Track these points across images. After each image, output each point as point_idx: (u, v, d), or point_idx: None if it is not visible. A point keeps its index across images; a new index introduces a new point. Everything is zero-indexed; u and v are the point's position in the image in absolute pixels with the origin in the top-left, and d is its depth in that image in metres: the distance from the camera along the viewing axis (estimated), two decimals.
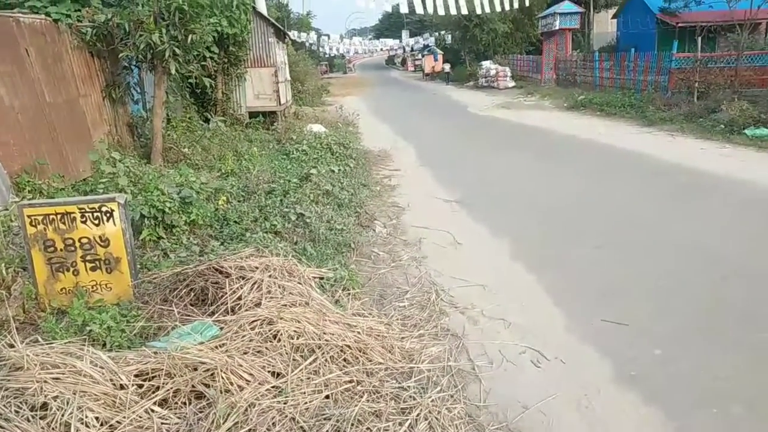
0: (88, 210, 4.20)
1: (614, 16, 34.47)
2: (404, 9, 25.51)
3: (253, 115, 13.59)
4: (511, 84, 29.07)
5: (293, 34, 37.72)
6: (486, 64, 31.85)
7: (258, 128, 12.88)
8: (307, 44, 44.58)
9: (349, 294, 4.48)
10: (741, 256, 5.39)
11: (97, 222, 4.23)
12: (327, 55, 56.41)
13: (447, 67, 40.06)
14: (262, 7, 15.59)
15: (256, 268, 4.09)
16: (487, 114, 19.03)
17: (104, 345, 3.61)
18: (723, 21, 22.83)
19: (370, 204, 7.69)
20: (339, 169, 8.97)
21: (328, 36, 51.15)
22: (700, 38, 17.09)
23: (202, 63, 10.10)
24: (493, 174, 9.80)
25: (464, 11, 28.12)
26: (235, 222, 6.06)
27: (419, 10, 25.90)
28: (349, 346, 3.36)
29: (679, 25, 25.74)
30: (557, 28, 26.15)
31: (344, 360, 3.30)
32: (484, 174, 9.85)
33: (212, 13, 9.87)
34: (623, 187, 8.35)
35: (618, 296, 4.70)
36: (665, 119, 14.20)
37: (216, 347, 3.23)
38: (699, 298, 4.58)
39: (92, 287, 4.32)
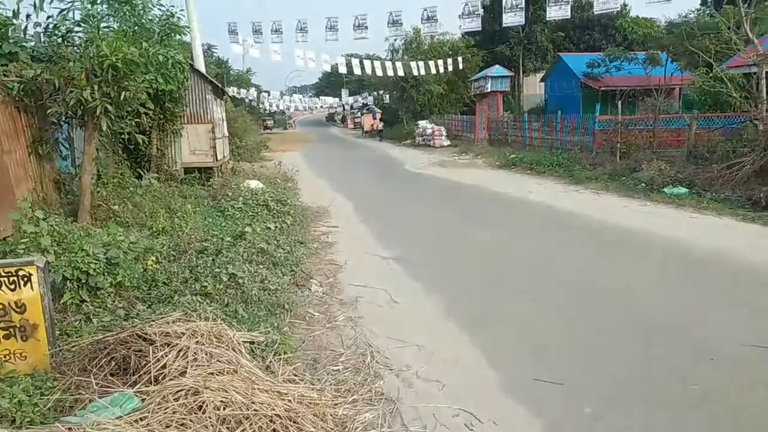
0: (3, 274, 3.97)
1: (542, 80, 36.48)
2: (343, 69, 26.15)
3: (188, 171, 13.40)
4: (447, 143, 30.02)
5: (233, 91, 37.87)
6: (423, 123, 32.87)
7: (193, 184, 12.67)
8: (246, 100, 44.80)
9: (281, 359, 4.37)
10: (666, 310, 5.63)
11: (13, 287, 3.99)
12: (267, 111, 56.80)
13: (381, 125, 41.72)
14: (200, 65, 15.64)
15: (183, 333, 3.94)
16: (423, 171, 19.47)
17: (13, 422, 3.36)
18: (641, 86, 24.55)
19: (306, 262, 7.62)
20: (275, 226, 8.89)
21: (268, 92, 51.66)
22: (620, 102, 18.25)
23: (136, 120, 9.94)
24: (430, 230, 9.96)
25: (401, 73, 29.10)
26: (164, 283, 5.87)
27: (357, 71, 26.67)
28: (279, 416, 3.26)
29: (602, 89, 27.48)
30: (489, 90, 27.43)
31: (273, 431, 3.19)
32: (421, 230, 10.00)
33: (147, 70, 9.79)
34: (553, 243, 8.65)
35: (551, 353, 4.79)
36: (591, 178, 14.93)
37: (136, 421, 3.06)
38: (629, 353, 4.73)
39: (5, 356, 4.04)
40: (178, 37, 12.48)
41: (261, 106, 51.08)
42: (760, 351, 4.65)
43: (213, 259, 6.47)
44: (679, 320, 5.37)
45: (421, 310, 5.97)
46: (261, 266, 6.62)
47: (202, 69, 15.43)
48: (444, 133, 30.94)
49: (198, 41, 16.17)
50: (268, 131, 49.93)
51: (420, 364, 4.62)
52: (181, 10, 12.53)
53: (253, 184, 13.14)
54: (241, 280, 5.86)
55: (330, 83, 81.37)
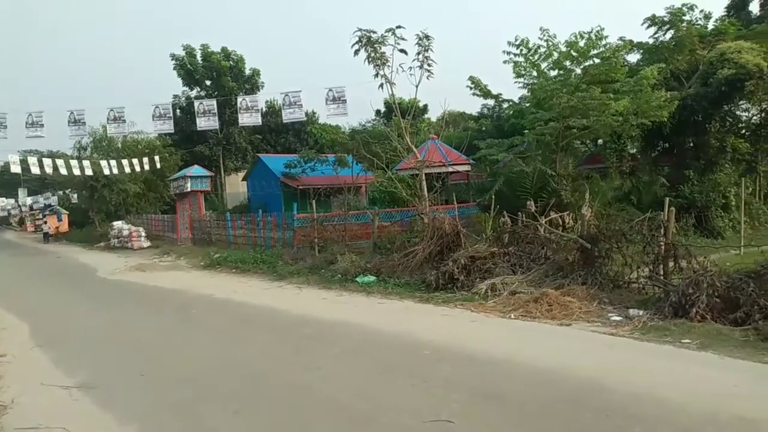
0: None
1: (244, 179, 37.57)
2: (17, 168, 23.03)
3: None
4: (147, 244, 28.35)
5: None
6: (118, 224, 30.54)
7: None
8: None
9: None
10: (359, 397, 5.96)
11: None
12: None
13: (45, 227, 39.00)
14: None
15: None
16: (119, 278, 17.89)
17: None
18: (333, 184, 27.08)
19: None
20: None
21: None
22: (314, 200, 19.76)
23: None
24: (124, 347, 9.02)
25: (90, 172, 26.92)
26: None
27: (35, 170, 23.77)
28: None
29: (300, 187, 29.48)
30: (189, 190, 27.05)
31: None
32: (114, 348, 8.99)
33: None
34: (256, 345, 8.63)
35: None
36: (293, 273, 15.54)
37: None
38: None
39: None
40: None
41: None
42: (440, 424, 5.22)
43: None
44: (369, 405, 5.76)
45: None
46: None
47: None
48: (143, 233, 29.19)
49: None
50: None
51: None
52: None
53: None
54: None
55: (3, 182, 70.54)
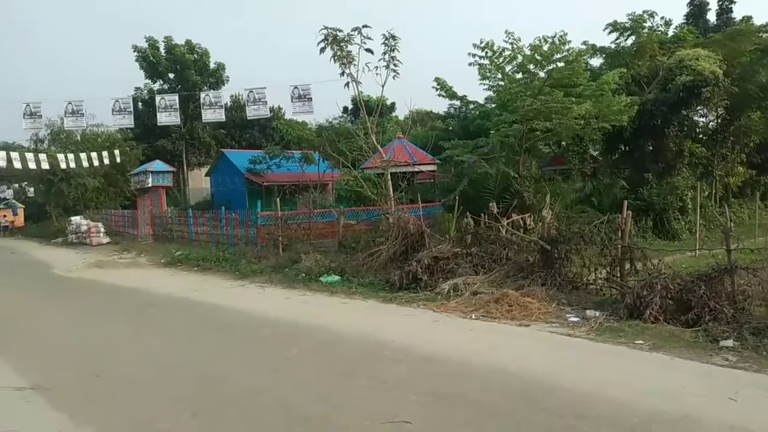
0: None
1: (207, 174, 36.96)
2: None
3: None
4: (106, 240, 27.63)
5: None
6: (76, 219, 29.67)
7: None
8: None
9: None
10: (316, 401, 5.95)
11: None
12: None
13: (4, 221, 38.02)
14: None
15: None
16: (76, 275, 17.44)
17: None
18: (299, 181, 26.86)
19: None
20: None
21: None
22: (278, 198, 19.56)
23: None
24: (79, 347, 8.80)
25: (46, 165, 26.14)
26: None
27: None
28: None
29: (265, 184, 29.08)
30: (150, 185, 26.49)
31: None
32: (68, 348, 8.77)
33: None
34: (214, 346, 8.51)
35: None
36: (256, 271, 15.36)
37: None
38: None
39: None
40: None
41: None
42: (397, 425, 5.24)
43: None
44: (326, 407, 5.76)
45: None
46: None
47: None
48: (102, 229, 28.40)
49: None
50: None
51: None
52: None
53: None
54: None
55: None
